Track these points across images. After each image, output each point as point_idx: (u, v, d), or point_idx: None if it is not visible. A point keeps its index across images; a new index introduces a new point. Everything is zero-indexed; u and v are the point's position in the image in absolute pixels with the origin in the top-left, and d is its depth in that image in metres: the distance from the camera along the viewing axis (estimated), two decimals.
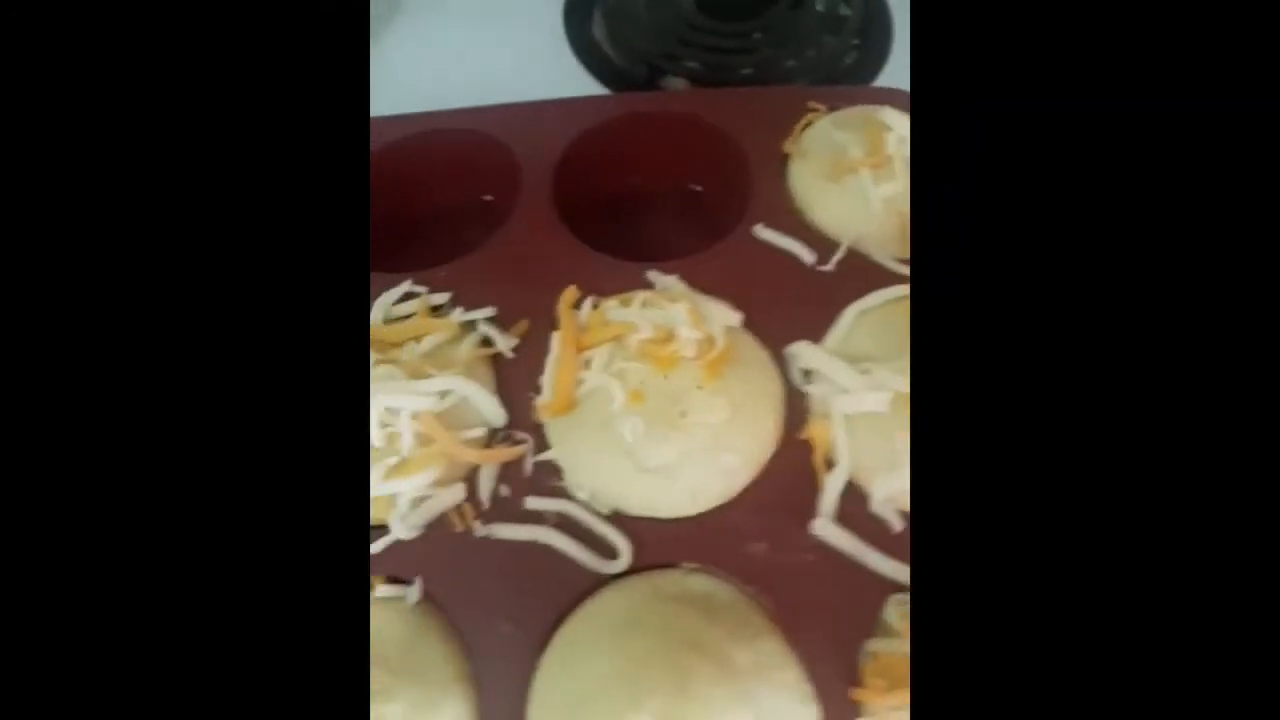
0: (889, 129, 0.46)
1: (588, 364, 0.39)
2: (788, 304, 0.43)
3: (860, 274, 0.44)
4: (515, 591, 0.36)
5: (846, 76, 0.68)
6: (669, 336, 0.39)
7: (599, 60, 0.68)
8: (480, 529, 0.37)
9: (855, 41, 0.71)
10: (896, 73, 0.68)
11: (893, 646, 0.35)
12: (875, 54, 0.70)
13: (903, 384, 0.37)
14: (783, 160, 0.50)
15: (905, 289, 0.43)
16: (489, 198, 0.51)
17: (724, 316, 0.41)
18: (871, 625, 0.36)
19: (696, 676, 0.31)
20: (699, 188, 0.54)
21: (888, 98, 0.50)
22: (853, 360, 0.40)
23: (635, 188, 0.54)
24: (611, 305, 0.41)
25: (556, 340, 0.40)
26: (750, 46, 0.69)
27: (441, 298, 0.44)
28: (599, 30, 0.70)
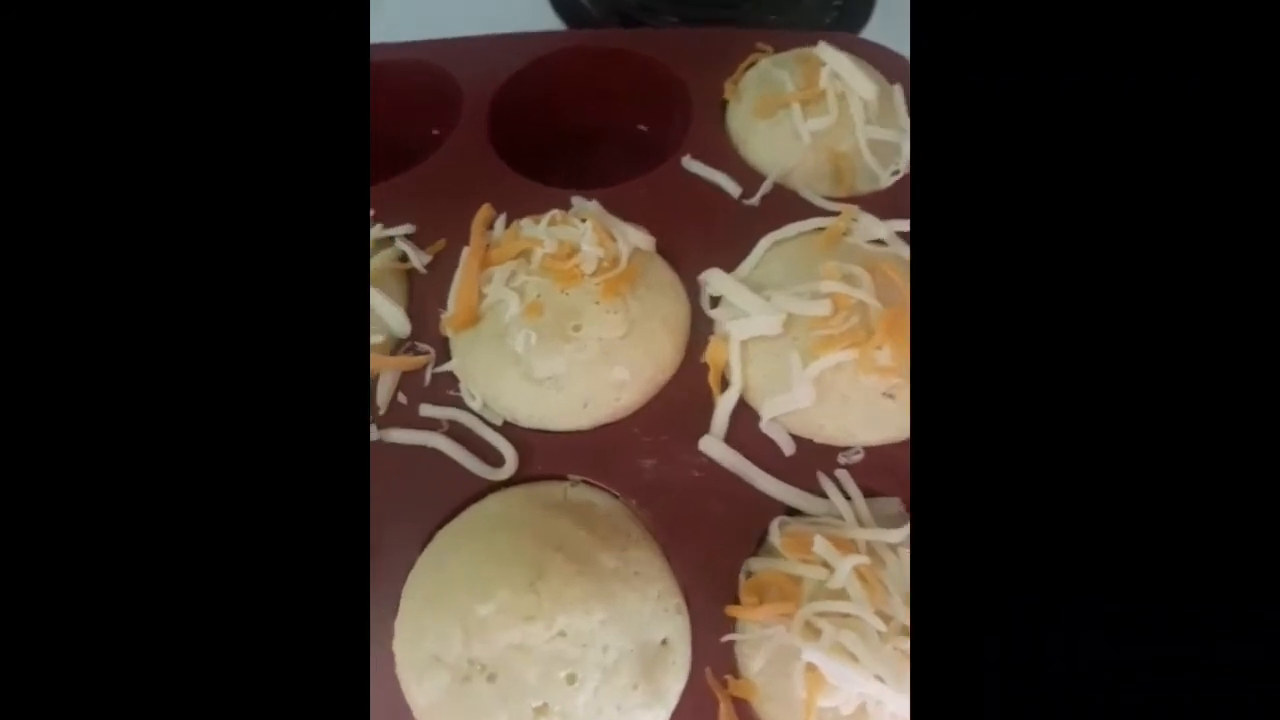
0: (823, 64, 0.46)
1: (492, 279, 0.39)
2: (707, 233, 0.43)
3: (783, 208, 0.44)
4: (402, 494, 0.37)
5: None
6: (572, 252, 0.39)
7: (577, 13, 0.68)
8: (375, 433, 0.38)
9: (837, 1, 0.70)
10: (877, 32, 0.67)
11: (771, 565, 0.35)
12: (856, 13, 0.69)
13: (796, 306, 0.37)
14: (724, 98, 0.50)
15: (822, 221, 0.42)
16: (436, 132, 0.52)
17: (635, 239, 0.41)
18: (750, 543, 0.36)
19: (551, 573, 0.31)
20: (645, 128, 0.54)
21: (833, 40, 0.49)
22: (761, 288, 0.40)
23: (583, 125, 0.54)
24: (526, 224, 0.41)
25: (464, 255, 0.41)
26: (731, 1, 0.69)
27: None
28: None
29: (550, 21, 0.66)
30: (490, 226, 0.42)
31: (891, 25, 0.67)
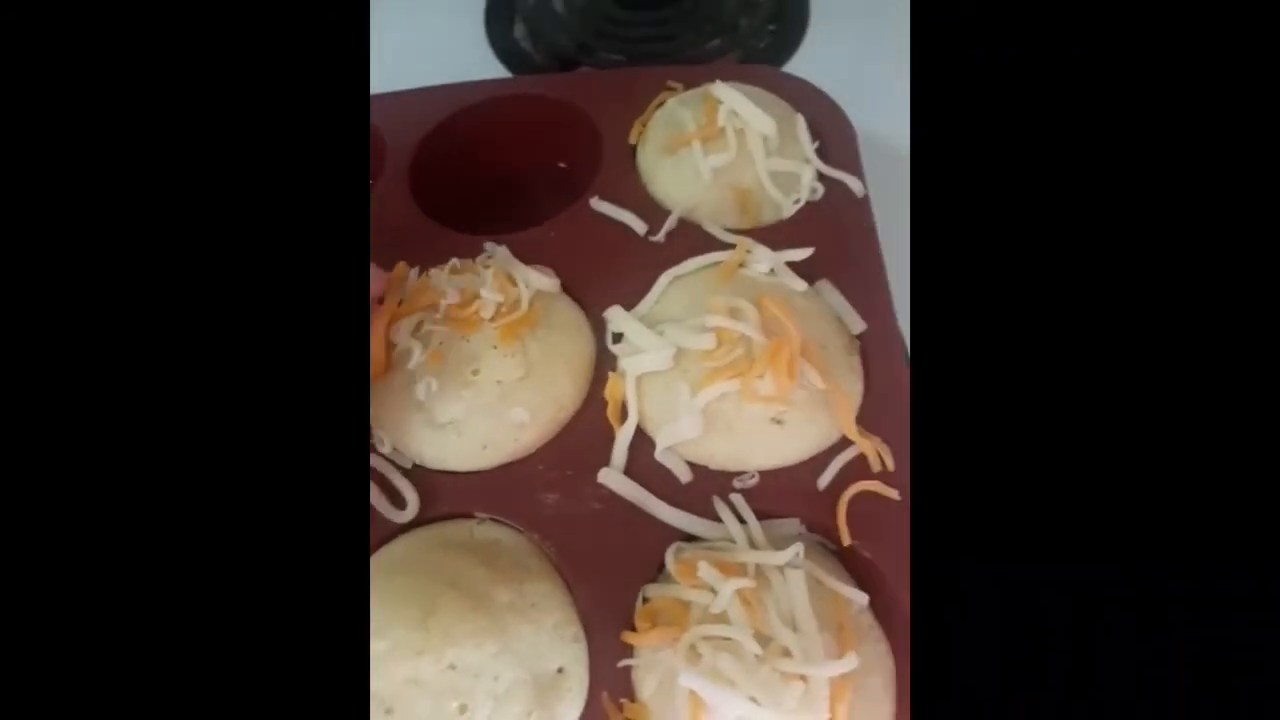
0: (721, 102, 0.47)
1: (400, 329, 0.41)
2: (612, 271, 0.45)
3: (687, 243, 0.46)
4: None
5: (760, 60, 0.69)
6: (472, 299, 0.41)
7: (520, 59, 0.71)
8: None
9: (770, 26, 0.72)
10: (811, 56, 0.69)
11: (665, 591, 0.36)
12: (789, 38, 0.71)
13: (685, 340, 0.39)
14: (632, 138, 0.52)
15: (719, 255, 0.44)
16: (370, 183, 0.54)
17: (538, 282, 0.43)
18: (651, 571, 0.37)
19: (442, 610, 0.33)
20: (564, 165, 0.56)
21: (741, 73, 0.51)
22: (659, 323, 0.41)
23: (506, 169, 0.56)
24: (435, 273, 0.43)
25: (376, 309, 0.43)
26: (667, 34, 0.71)
27: None
28: (519, 30, 0.73)
29: (495, 67, 0.69)
30: (404, 280, 0.44)
31: (825, 45, 0.68)
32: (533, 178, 0.56)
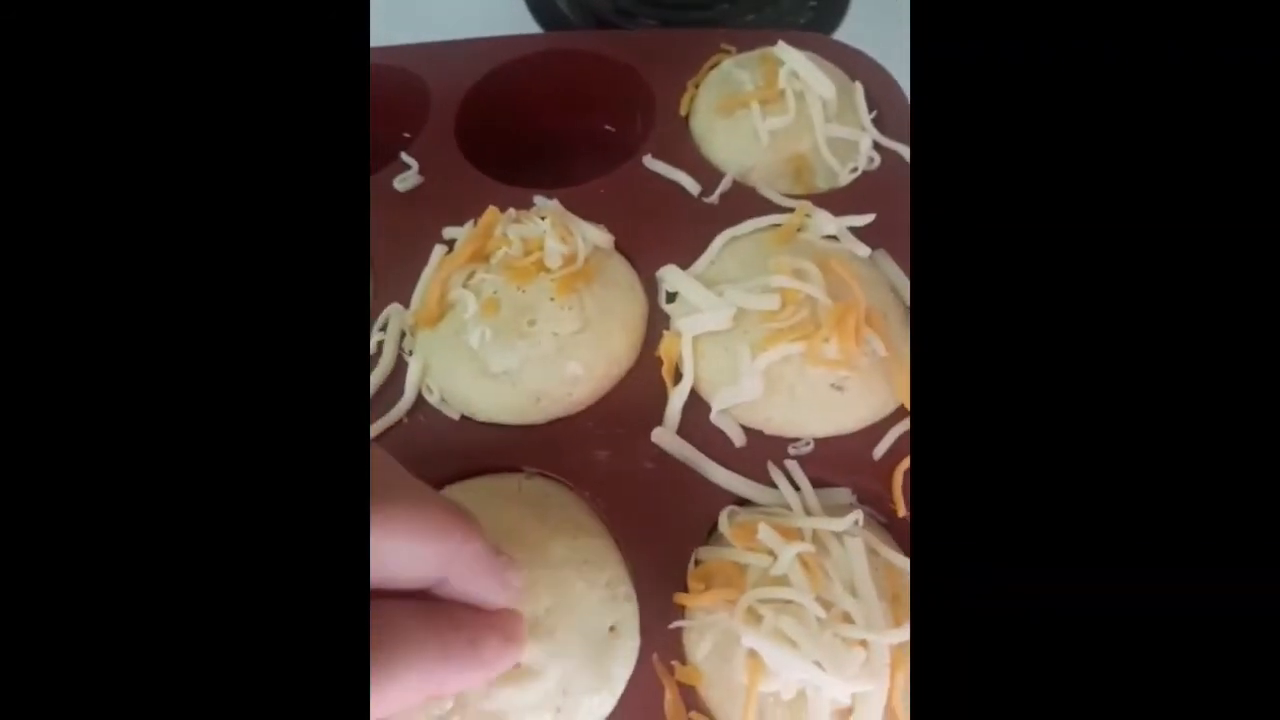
0: (782, 63, 0.46)
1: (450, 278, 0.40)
2: (665, 231, 0.44)
3: (742, 205, 0.45)
4: None
5: None
6: (532, 249, 0.40)
7: (553, 17, 0.69)
8: None
9: (811, 2, 0.71)
10: (851, 35, 0.68)
11: (719, 554, 0.35)
12: (831, 14, 0.70)
13: (746, 300, 0.38)
14: (686, 98, 0.51)
15: (777, 217, 0.43)
16: (407, 135, 0.53)
17: (594, 237, 0.42)
18: (702, 534, 0.36)
19: None
20: (611, 128, 0.55)
21: (797, 39, 0.50)
22: (716, 284, 0.40)
23: (551, 127, 0.55)
24: (497, 220, 0.42)
25: (437, 254, 0.42)
26: (705, 3, 0.70)
27: None
28: None
29: (528, 25, 0.67)
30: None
31: (866, 24, 0.67)
32: (577, 139, 0.55)
